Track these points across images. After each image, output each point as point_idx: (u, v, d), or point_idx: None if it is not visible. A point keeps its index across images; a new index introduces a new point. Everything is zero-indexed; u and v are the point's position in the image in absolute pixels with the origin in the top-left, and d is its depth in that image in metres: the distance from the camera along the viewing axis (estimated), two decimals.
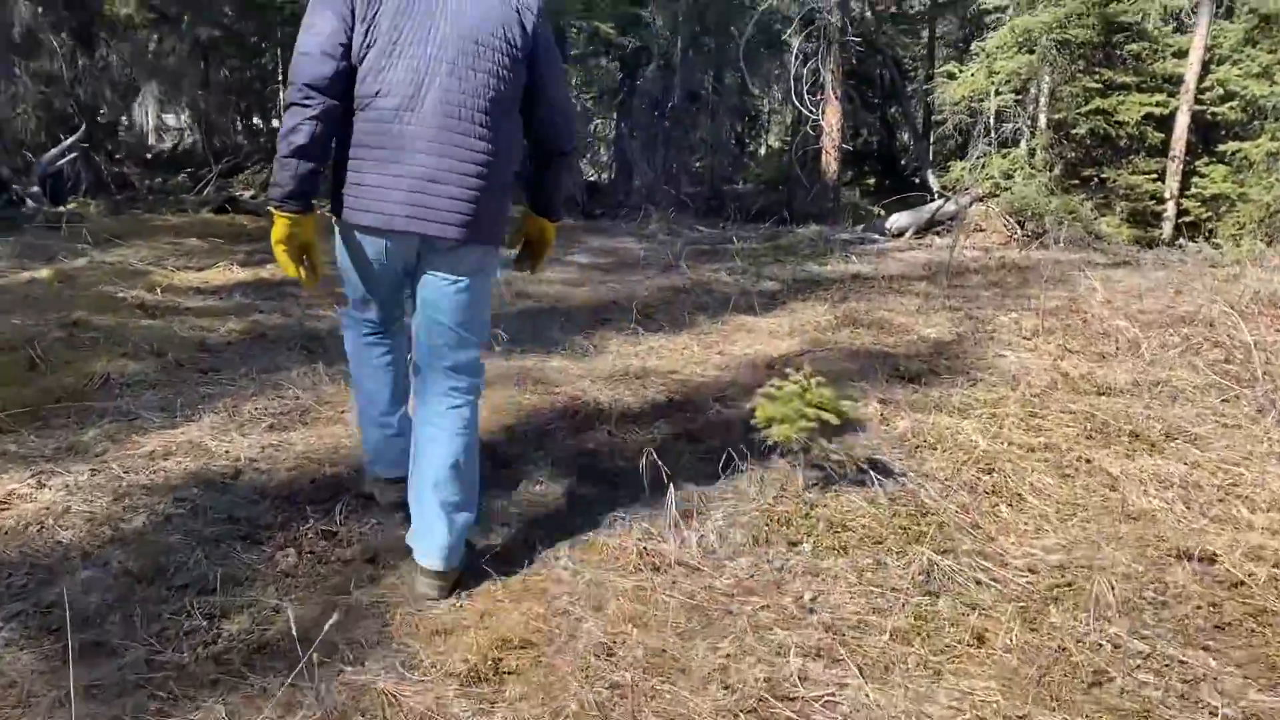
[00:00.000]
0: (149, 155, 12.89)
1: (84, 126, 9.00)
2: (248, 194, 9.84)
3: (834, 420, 3.17)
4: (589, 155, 13.48)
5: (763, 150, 18.53)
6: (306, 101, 2.36)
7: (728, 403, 3.97)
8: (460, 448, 2.56)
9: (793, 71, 10.70)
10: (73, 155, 8.93)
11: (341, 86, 2.39)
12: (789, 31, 10.93)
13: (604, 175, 13.63)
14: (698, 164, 12.95)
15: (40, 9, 8.71)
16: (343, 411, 3.76)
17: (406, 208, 2.40)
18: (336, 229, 2.56)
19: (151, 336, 4.44)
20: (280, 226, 2.45)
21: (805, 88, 10.87)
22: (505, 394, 4.06)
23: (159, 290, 5.36)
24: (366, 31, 2.39)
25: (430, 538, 2.52)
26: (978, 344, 5.38)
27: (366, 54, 2.40)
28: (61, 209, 8.32)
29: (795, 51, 10.77)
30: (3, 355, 3.95)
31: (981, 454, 3.63)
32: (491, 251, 2.58)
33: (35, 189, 8.30)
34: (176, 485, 3.05)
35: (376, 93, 2.40)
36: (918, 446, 3.70)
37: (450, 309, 2.53)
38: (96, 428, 3.48)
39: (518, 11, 2.52)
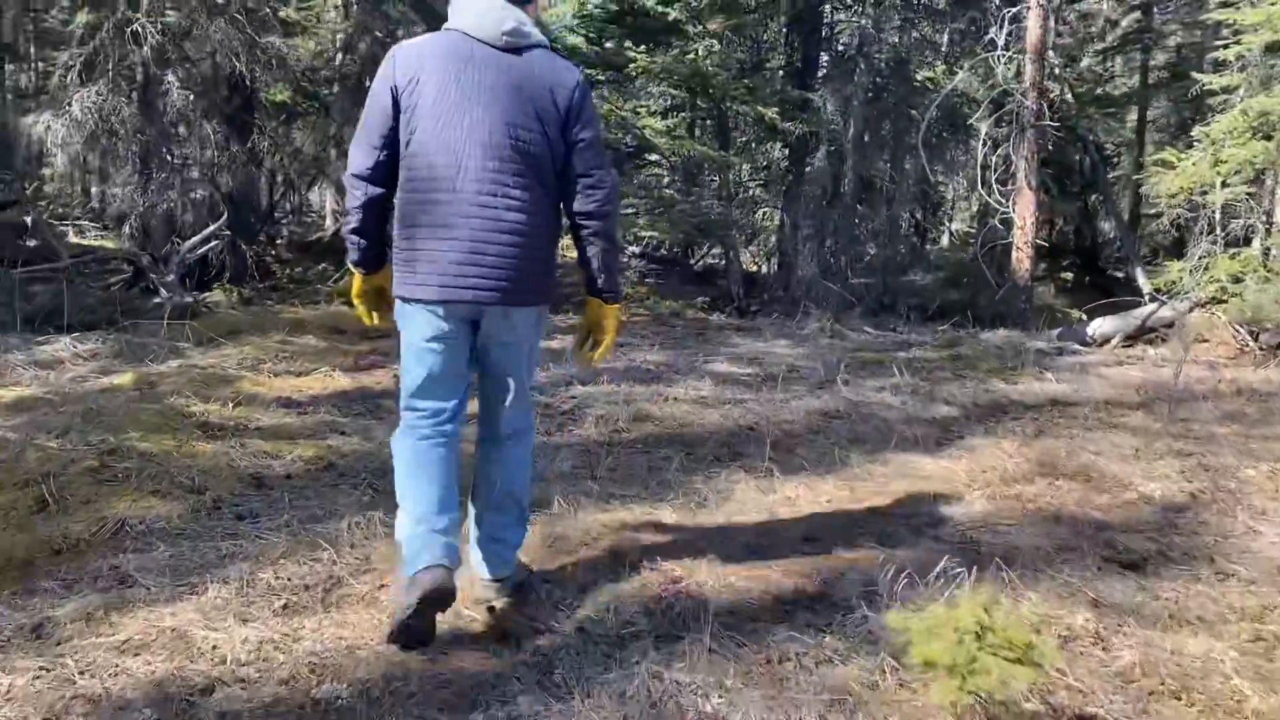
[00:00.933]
0: (310, 240, 13.04)
1: (225, 215, 8.94)
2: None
3: (1028, 676, 2.19)
4: (754, 244, 12.72)
5: (945, 241, 17.34)
6: (355, 190, 2.73)
7: (876, 600, 3.01)
8: (511, 479, 2.94)
9: (979, 158, 9.66)
10: (214, 244, 8.87)
11: (386, 173, 2.71)
12: (976, 115, 9.93)
13: (764, 267, 12.82)
14: (869, 258, 11.99)
15: (191, 95, 8.77)
16: (382, 586, 3.03)
17: (452, 278, 2.65)
18: (397, 311, 2.82)
19: (198, 467, 3.87)
20: (355, 282, 2.91)
21: (994, 176, 9.80)
22: (589, 566, 3.24)
23: (235, 404, 4.87)
24: (409, 120, 2.67)
25: (489, 556, 2.92)
26: (1220, 511, 4.19)
27: (411, 140, 2.67)
28: (191, 299, 8.19)
29: (983, 137, 9.74)
30: (14, 491, 3.43)
31: (1251, 713, 2.53)
32: (535, 312, 2.84)
33: (170, 278, 8.21)
34: (128, 702, 2.37)
35: (420, 174, 2.67)
36: (1151, 692, 2.63)
37: (501, 367, 2.85)
38: (79, 598, 2.87)
39: (551, 91, 2.72)
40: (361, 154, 2.70)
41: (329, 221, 18.97)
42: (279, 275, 9.46)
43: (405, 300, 2.72)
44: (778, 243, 11.61)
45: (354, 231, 2.79)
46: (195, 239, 8.59)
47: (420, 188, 2.66)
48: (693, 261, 15.55)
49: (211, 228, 8.72)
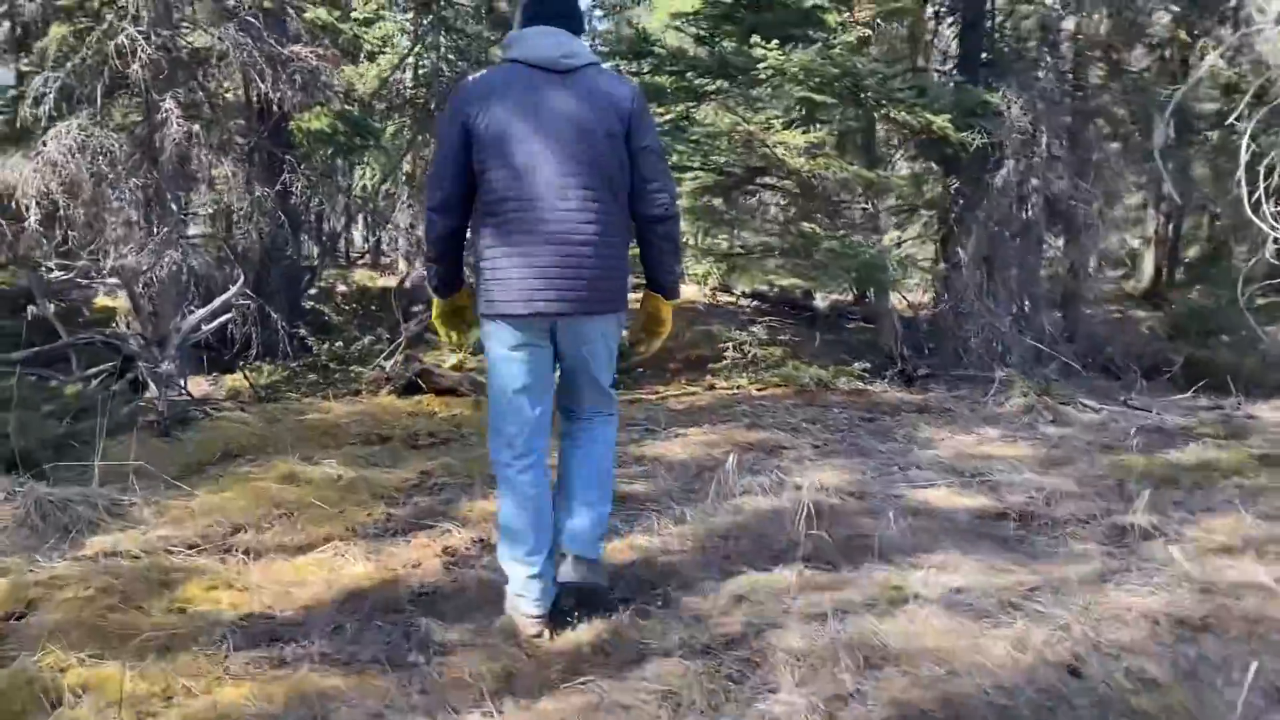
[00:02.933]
0: (370, 296, 11.16)
1: (241, 279, 7.04)
2: (448, 360, 7.49)
3: None
4: (911, 279, 10.32)
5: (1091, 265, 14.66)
6: (435, 217, 3.02)
7: None
8: (598, 457, 3.18)
9: (1240, 169, 7.20)
10: (228, 315, 6.97)
11: (461, 205, 3.00)
12: (1237, 111, 7.47)
13: (921, 312, 10.42)
14: (1060, 301, 9.56)
15: (197, 126, 6.90)
16: None
17: (534, 292, 2.89)
18: (482, 329, 3.07)
19: None
20: (436, 305, 3.27)
21: (1261, 192, 7.31)
22: None
23: (154, 652, 2.79)
24: (481, 149, 2.91)
25: (578, 532, 3.10)
26: None
27: (486, 168, 2.91)
28: (187, 397, 6.27)
29: (1245, 140, 7.29)
30: None
31: None
32: (613, 318, 3.08)
33: (166, 366, 6.30)
34: None
35: (498, 197, 2.91)
36: None
37: (584, 369, 3.10)
38: None
39: (613, 105, 2.96)
40: (436, 188, 3.00)
41: (402, 265, 17.24)
42: (317, 351, 7.48)
43: (489, 317, 3.00)
44: (946, 283, 9.26)
45: (434, 258, 3.12)
46: (201, 313, 6.68)
47: (498, 210, 2.91)
48: (818, 303, 13.26)
49: (224, 296, 6.82)
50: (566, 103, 2.90)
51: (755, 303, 15.06)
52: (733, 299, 15.16)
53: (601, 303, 2.98)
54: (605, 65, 3.15)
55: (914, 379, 8.94)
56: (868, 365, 8.49)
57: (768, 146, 8.54)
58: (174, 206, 7.24)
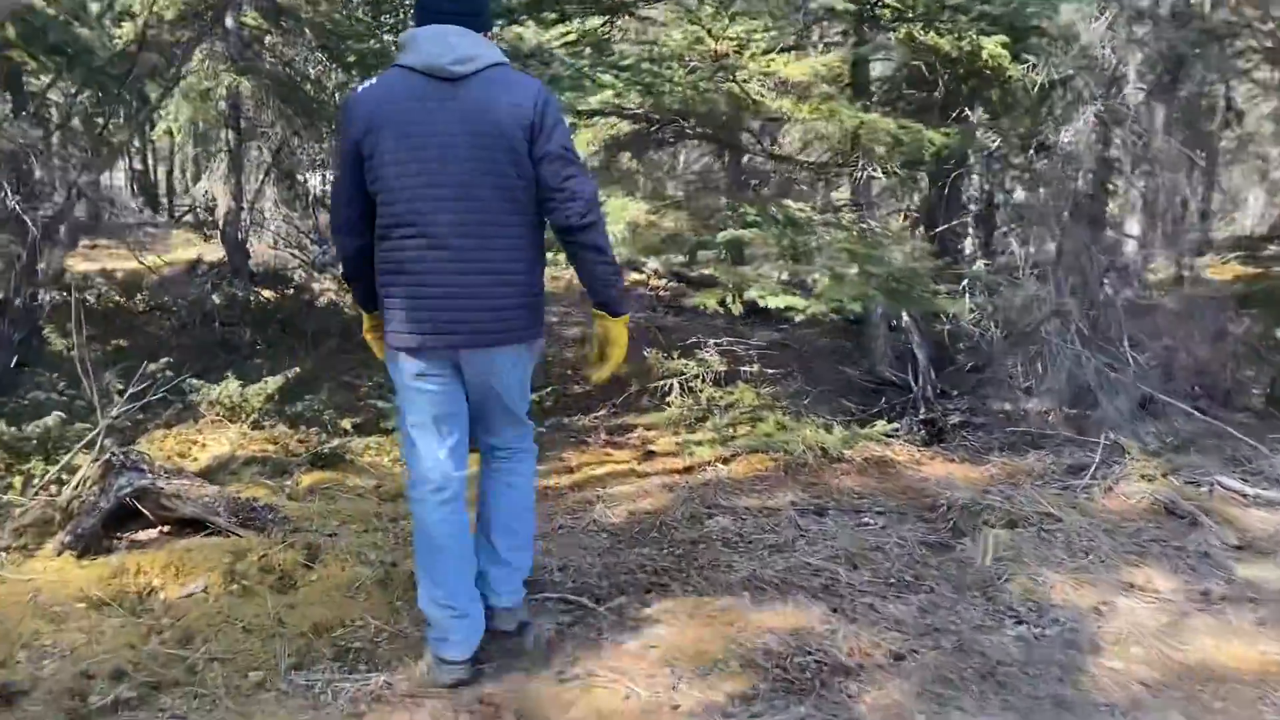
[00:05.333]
0: (125, 305, 7.89)
1: None
2: (206, 446, 4.39)
3: None
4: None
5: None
6: (341, 242, 2.96)
7: None
8: (516, 501, 3.16)
9: None
10: None
11: (363, 223, 2.86)
12: None
13: (926, 335, 7.52)
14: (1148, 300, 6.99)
15: None
16: None
17: (431, 325, 2.78)
18: (386, 358, 2.98)
19: None
20: (366, 320, 3.13)
21: None
22: None
23: None
24: (372, 170, 2.76)
25: (498, 582, 3.12)
26: None
27: (378, 189, 2.77)
28: None
29: None
30: None
31: None
32: (523, 346, 2.94)
33: None
34: None
35: (392, 224, 2.77)
36: None
37: (494, 398, 2.99)
38: None
39: (511, 111, 2.73)
40: (340, 206, 2.90)
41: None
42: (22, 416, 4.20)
43: (390, 347, 2.90)
44: (986, 289, 6.57)
45: (348, 278, 3.04)
46: None
47: (391, 235, 2.77)
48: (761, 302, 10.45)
49: None
50: (456, 115, 2.72)
51: (672, 282, 12.36)
52: (643, 278, 12.46)
53: (507, 332, 2.85)
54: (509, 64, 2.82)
55: (944, 430, 6.27)
56: (891, 419, 5.76)
57: (734, 80, 5.67)
58: None
